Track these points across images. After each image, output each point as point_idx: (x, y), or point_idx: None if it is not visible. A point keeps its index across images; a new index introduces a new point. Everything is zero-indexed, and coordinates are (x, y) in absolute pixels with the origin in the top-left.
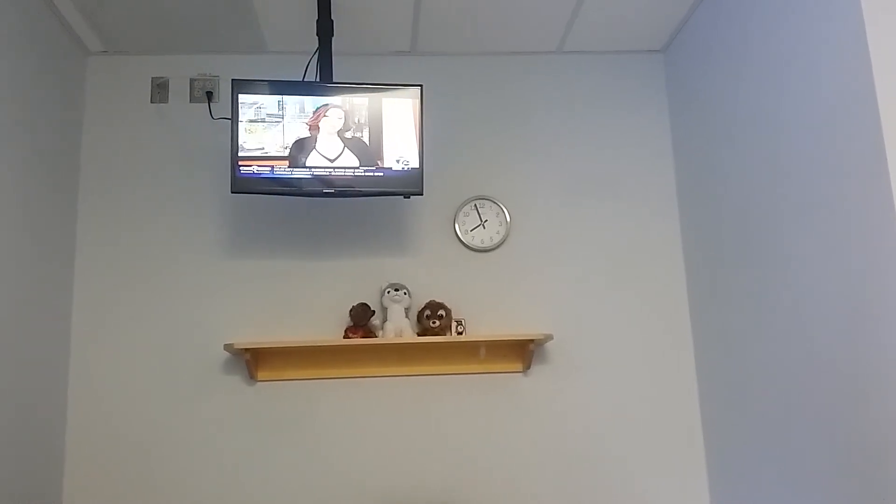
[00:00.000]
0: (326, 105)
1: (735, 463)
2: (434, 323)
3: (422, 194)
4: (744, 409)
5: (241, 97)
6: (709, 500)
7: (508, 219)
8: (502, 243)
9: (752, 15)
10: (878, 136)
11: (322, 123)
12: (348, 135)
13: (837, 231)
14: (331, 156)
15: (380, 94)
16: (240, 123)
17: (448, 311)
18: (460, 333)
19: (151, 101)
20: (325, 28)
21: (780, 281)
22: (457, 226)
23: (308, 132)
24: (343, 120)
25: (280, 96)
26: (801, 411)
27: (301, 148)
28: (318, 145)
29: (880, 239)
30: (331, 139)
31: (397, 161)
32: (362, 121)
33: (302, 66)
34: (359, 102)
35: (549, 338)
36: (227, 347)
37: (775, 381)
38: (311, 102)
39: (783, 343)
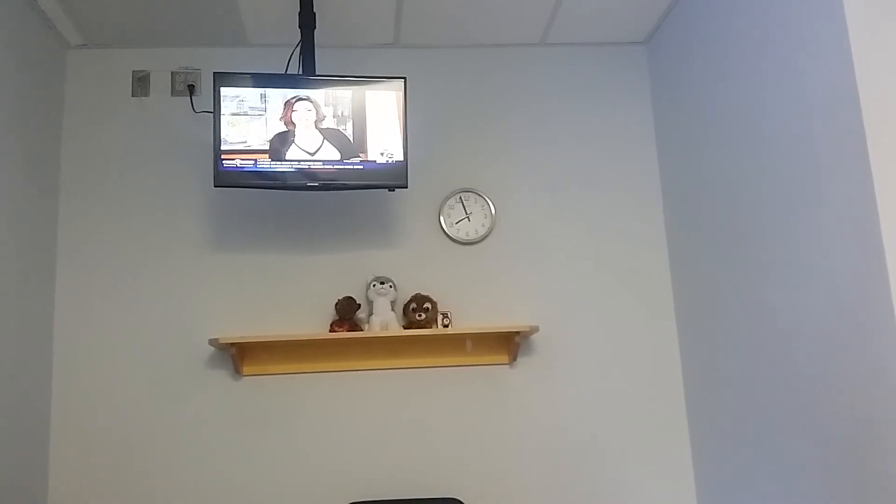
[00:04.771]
0: (295, 97)
1: (720, 454)
2: (420, 316)
3: (406, 187)
4: (728, 401)
5: (223, 90)
6: (694, 489)
7: (493, 211)
8: (487, 235)
9: (735, 6)
10: (859, 128)
11: (294, 117)
12: (324, 125)
13: (820, 223)
14: (310, 149)
15: (363, 86)
16: (222, 117)
17: (434, 304)
18: (446, 326)
19: (133, 95)
20: (307, 20)
21: (764, 273)
22: (442, 218)
23: (285, 126)
24: (314, 111)
25: (262, 89)
26: (785, 403)
27: (281, 141)
28: (296, 139)
29: (862, 230)
30: (309, 132)
31: (381, 154)
32: (346, 113)
33: (284, 58)
34: (342, 95)
35: (534, 330)
36: (213, 342)
37: (760, 374)
38: (292, 95)
39: (767, 336)
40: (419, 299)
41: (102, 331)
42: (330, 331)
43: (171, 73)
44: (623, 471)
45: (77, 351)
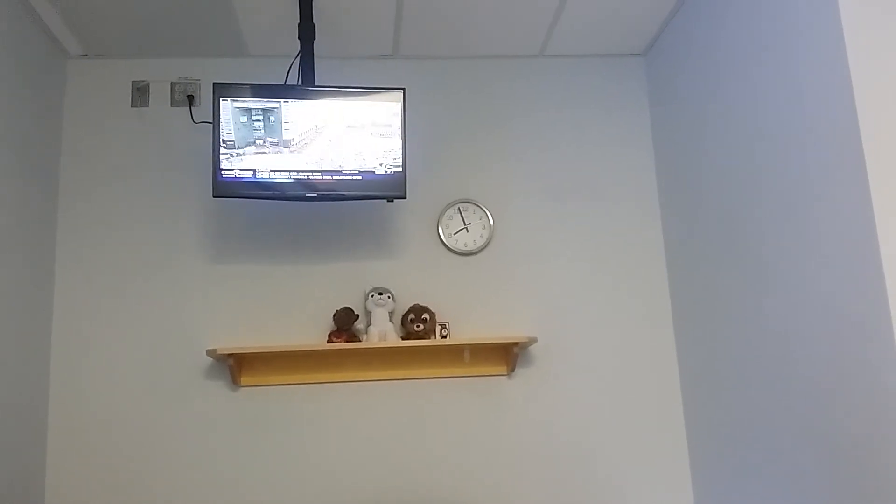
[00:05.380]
0: (294, 108)
1: (718, 465)
2: (418, 326)
3: (405, 198)
4: (727, 411)
5: (223, 101)
6: (693, 499)
7: (492, 222)
8: (486, 246)
9: (732, 18)
10: (856, 138)
11: (293, 128)
12: (324, 136)
13: (816, 230)
14: (309, 159)
15: (362, 97)
16: (221, 127)
17: (432, 315)
18: (444, 337)
19: (132, 105)
20: (306, 31)
21: (762, 281)
22: (440, 229)
23: (287, 137)
24: (313, 122)
25: (262, 100)
26: (784, 412)
27: (281, 152)
28: (297, 149)
29: (859, 238)
30: (308, 143)
31: (380, 164)
32: (345, 124)
33: (284, 69)
34: (341, 105)
35: (533, 340)
36: (210, 353)
37: (758, 382)
38: (292, 106)
39: (766, 344)
40: (417, 310)
41: (100, 341)
42: (328, 341)
43: (171, 83)
44: (622, 480)
45: (75, 360)
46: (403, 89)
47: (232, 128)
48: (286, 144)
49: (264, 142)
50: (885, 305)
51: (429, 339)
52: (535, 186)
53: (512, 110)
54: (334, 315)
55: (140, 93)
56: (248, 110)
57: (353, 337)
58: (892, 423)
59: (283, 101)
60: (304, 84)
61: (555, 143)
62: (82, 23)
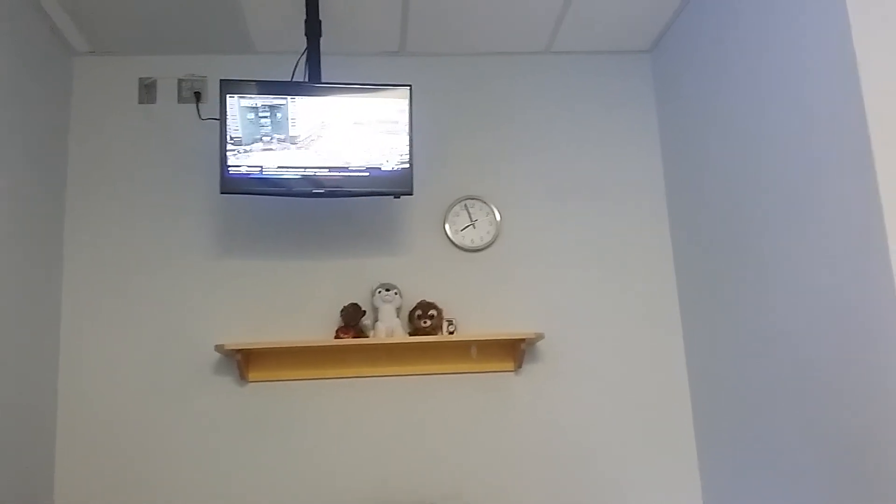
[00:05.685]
0: (301, 105)
1: (727, 462)
2: (425, 322)
3: (412, 194)
4: (735, 408)
5: (230, 97)
6: (701, 498)
7: (498, 218)
8: (492, 243)
9: (739, 15)
10: (864, 136)
11: (300, 125)
12: (330, 133)
13: (824, 229)
14: (318, 156)
15: (369, 94)
16: (228, 123)
17: (439, 311)
18: (451, 333)
19: (139, 102)
20: (313, 28)
21: (770, 279)
22: (447, 225)
23: (294, 133)
24: (320, 119)
25: (268, 96)
26: (792, 409)
27: (288, 148)
28: (304, 146)
29: (866, 237)
30: (314, 139)
31: (387, 161)
32: (351, 121)
33: (290, 66)
34: (348, 102)
35: (540, 337)
36: (218, 348)
37: (766, 379)
38: (299, 103)
39: (773, 341)
40: (424, 306)
41: (108, 336)
42: (335, 337)
43: (178, 80)
44: (629, 479)
45: (83, 357)
46: (410, 86)
47: (239, 124)
48: (293, 141)
49: (271, 138)
50: (893, 307)
51: (436, 335)
52: (542, 183)
53: (518, 107)
54: (342, 311)
55: (147, 89)
56: (254, 107)
57: (361, 333)
58: None
59: (289, 97)
60: (311, 81)
61: (561, 140)
62: (89, 20)
